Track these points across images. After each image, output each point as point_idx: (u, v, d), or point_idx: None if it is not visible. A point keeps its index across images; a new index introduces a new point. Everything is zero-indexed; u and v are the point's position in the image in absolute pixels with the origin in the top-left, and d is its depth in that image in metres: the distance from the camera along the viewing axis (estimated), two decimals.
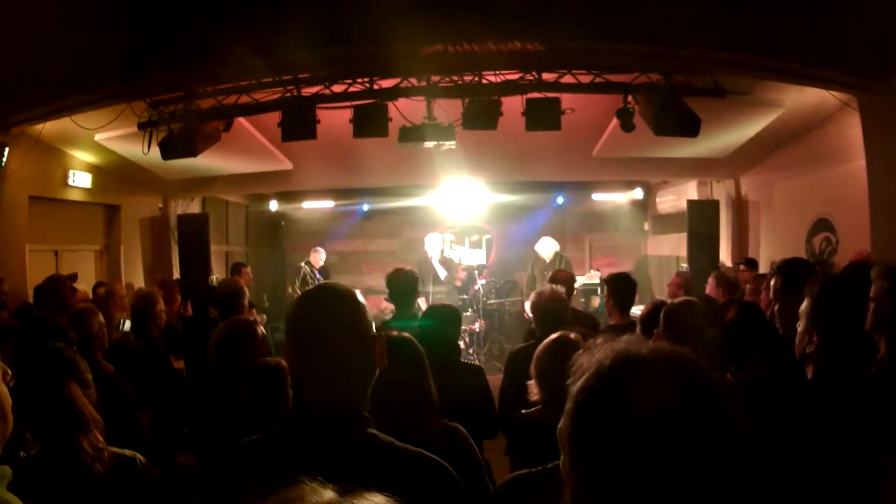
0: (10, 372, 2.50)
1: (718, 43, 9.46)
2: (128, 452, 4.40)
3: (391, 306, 9.35)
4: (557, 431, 2.05)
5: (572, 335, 4.70)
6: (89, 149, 14.46)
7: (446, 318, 7.58)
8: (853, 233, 12.20)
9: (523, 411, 5.01)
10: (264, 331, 6.55)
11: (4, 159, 11.77)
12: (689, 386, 1.88)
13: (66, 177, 14.47)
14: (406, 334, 5.09)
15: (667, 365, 1.92)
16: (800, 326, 4.43)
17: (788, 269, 5.82)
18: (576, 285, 13.86)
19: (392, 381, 3.24)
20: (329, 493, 1.58)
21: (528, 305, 8.99)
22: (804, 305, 4.39)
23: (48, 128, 12.36)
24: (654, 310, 6.83)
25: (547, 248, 18.86)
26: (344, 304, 3.07)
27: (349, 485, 1.62)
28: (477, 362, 17.47)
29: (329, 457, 1.76)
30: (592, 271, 20.25)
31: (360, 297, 3.12)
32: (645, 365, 1.92)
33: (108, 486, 4.18)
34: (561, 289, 8.50)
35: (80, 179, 14.88)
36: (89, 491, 4.12)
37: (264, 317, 12.30)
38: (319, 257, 20.95)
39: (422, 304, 15.69)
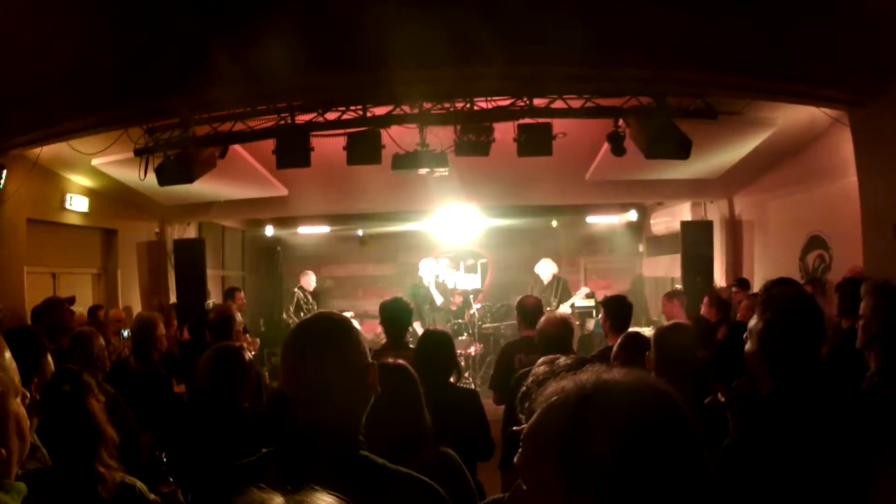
0: (28, 395, 2.56)
1: (710, 64, 9.52)
2: (128, 479, 4.44)
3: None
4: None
5: (560, 361, 4.75)
6: (86, 173, 14.53)
7: (440, 343, 7.62)
8: (846, 249, 12.23)
9: (514, 428, 5.07)
10: (251, 356, 6.59)
11: (2, 182, 11.81)
12: (649, 410, 1.97)
13: (63, 200, 14.53)
14: (401, 361, 5.14)
15: (629, 392, 1.99)
16: (746, 345, 4.37)
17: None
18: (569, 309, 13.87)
19: (385, 408, 3.29)
20: (278, 498, 1.64)
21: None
22: (752, 325, 4.33)
23: (45, 152, 12.42)
24: (629, 341, 6.89)
25: (545, 270, 18.91)
26: (338, 331, 3.15)
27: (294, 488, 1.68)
28: (473, 386, 17.55)
29: (321, 478, 1.81)
30: (583, 288, 20.22)
31: (356, 325, 3.21)
32: (606, 394, 1.99)
33: None
34: (564, 314, 8.56)
35: (78, 203, 14.95)
36: None
37: (257, 341, 12.31)
38: (310, 280, 21.06)
39: (418, 328, 15.76)
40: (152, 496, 4.60)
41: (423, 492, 3.06)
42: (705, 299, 11.84)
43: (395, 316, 8.87)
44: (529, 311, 9.75)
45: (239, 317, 9.10)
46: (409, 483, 3.05)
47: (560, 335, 7.96)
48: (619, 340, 7.20)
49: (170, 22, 8.70)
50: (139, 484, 4.47)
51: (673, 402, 2.01)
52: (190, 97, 10.16)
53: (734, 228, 17.93)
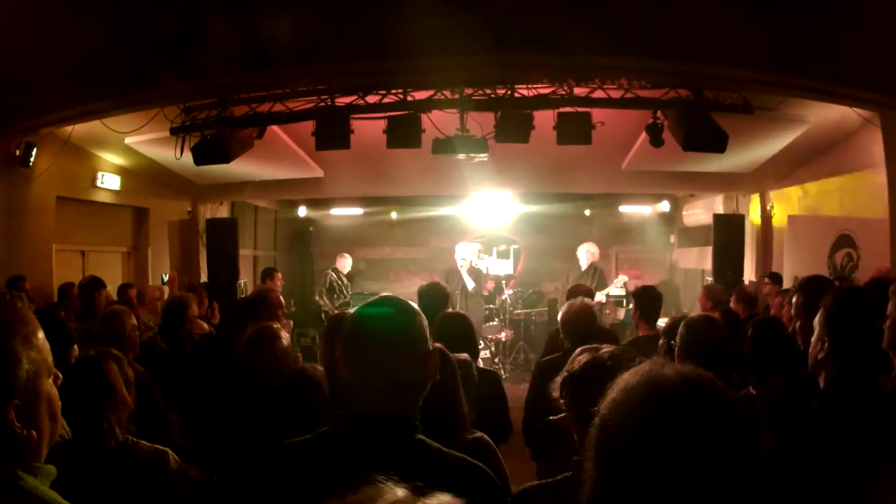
0: (60, 375, 2.59)
1: (746, 61, 9.50)
2: (160, 447, 4.52)
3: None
4: (586, 438, 2.17)
5: (602, 349, 4.73)
6: (119, 151, 14.58)
7: (458, 325, 7.64)
8: (874, 249, 12.20)
9: (551, 418, 5.06)
10: (287, 337, 6.53)
11: (32, 159, 11.93)
12: (710, 409, 1.99)
13: (94, 178, 14.60)
14: (438, 345, 5.13)
15: (691, 389, 2.03)
16: (814, 336, 4.47)
17: (810, 287, 5.87)
18: (595, 300, 13.76)
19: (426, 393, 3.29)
20: (401, 491, 1.63)
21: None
22: (819, 315, 4.43)
23: (77, 130, 12.48)
24: (676, 324, 6.89)
25: (585, 255, 18.58)
26: (403, 318, 3.14)
27: (420, 484, 1.67)
28: (503, 372, 17.55)
29: (379, 459, 1.83)
30: (620, 276, 20.12)
31: (420, 312, 3.19)
32: (665, 388, 2.03)
33: (137, 475, 4.31)
34: (590, 301, 8.53)
35: (109, 181, 15.01)
36: (117, 478, 4.25)
37: (290, 323, 12.27)
38: (346, 263, 20.82)
39: None
40: (184, 465, 4.66)
41: (478, 476, 3.08)
42: (734, 295, 11.81)
43: (430, 301, 8.93)
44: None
45: (280, 300, 8.95)
46: (464, 467, 3.08)
47: (587, 324, 7.94)
48: (667, 325, 7.21)
49: (200, 6, 8.74)
50: (172, 454, 4.52)
51: (731, 402, 2.04)
52: (228, 78, 10.20)
53: (766, 222, 17.90)
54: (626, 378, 2.13)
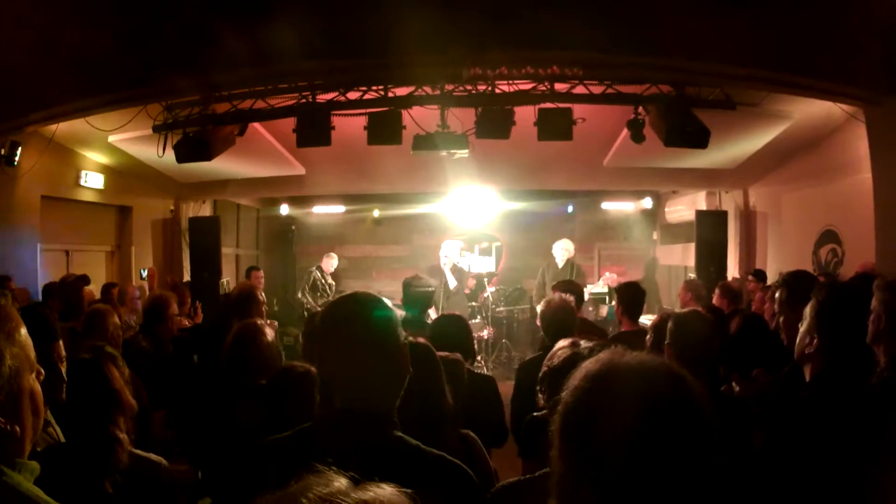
0: (42, 371, 2.60)
1: (729, 56, 9.53)
2: (153, 457, 4.49)
3: (401, 312, 9.33)
4: (550, 430, 2.19)
5: (582, 344, 4.72)
6: (102, 150, 14.54)
7: (455, 327, 7.64)
8: (859, 244, 12.25)
9: (535, 413, 5.06)
10: (273, 334, 6.51)
11: (17, 158, 11.89)
12: (666, 392, 2.03)
13: (78, 177, 14.56)
14: (421, 339, 5.12)
15: (645, 373, 2.07)
16: (802, 327, 4.49)
17: (793, 282, 5.88)
18: (586, 296, 13.80)
19: (408, 387, 3.30)
20: (341, 481, 1.63)
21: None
22: (809, 307, 4.45)
23: (61, 128, 12.45)
24: (665, 320, 6.91)
25: (561, 252, 18.60)
26: (373, 312, 3.16)
27: (360, 475, 1.67)
28: (485, 369, 17.48)
29: (356, 456, 1.84)
30: (608, 273, 20.18)
31: (392, 307, 3.21)
32: (625, 373, 2.07)
33: (130, 486, 4.27)
34: (570, 297, 8.51)
35: (93, 180, 14.98)
36: (112, 488, 4.21)
37: (275, 323, 12.23)
38: (331, 263, 20.86)
39: (430, 312, 15.75)
40: (173, 471, 4.65)
41: (456, 474, 3.11)
42: (716, 290, 11.83)
43: (417, 293, 8.93)
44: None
45: (262, 296, 8.95)
46: (442, 465, 3.10)
47: (562, 319, 7.92)
48: (654, 322, 7.23)
49: (196, 6, 8.76)
50: (164, 462, 4.51)
51: (688, 387, 2.06)
52: (209, 75, 10.19)
53: (748, 219, 17.92)
54: (586, 366, 2.17)
